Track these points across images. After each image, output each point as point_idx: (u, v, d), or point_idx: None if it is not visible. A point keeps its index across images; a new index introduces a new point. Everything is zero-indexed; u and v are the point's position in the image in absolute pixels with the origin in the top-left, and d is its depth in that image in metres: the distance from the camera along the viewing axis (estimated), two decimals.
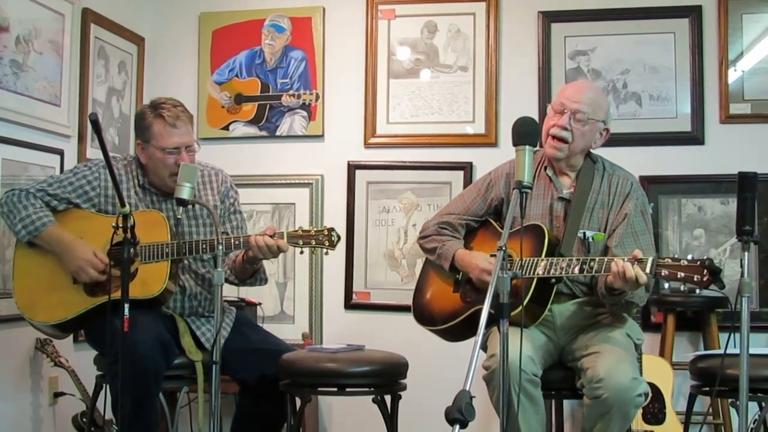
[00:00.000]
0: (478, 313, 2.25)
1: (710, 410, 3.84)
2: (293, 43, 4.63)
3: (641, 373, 2.87)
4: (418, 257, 4.09)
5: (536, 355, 2.83)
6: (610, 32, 4.31)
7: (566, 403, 3.69)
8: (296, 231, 3.04)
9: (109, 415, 3.07)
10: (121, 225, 2.68)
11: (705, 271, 2.54)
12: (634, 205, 3.00)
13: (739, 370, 2.58)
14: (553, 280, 2.87)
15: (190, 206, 3.10)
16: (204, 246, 3.03)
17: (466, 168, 4.39)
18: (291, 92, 4.61)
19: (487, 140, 4.39)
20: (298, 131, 4.60)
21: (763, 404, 3.10)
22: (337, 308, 4.53)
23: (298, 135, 4.60)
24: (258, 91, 4.66)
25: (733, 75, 4.18)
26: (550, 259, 2.83)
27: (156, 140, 3.12)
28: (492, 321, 2.25)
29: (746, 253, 2.60)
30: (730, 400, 3.56)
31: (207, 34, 4.72)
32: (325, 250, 3.05)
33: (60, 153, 3.92)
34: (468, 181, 4.30)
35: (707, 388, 3.13)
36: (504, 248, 2.32)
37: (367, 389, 3.14)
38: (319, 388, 3.19)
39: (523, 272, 2.82)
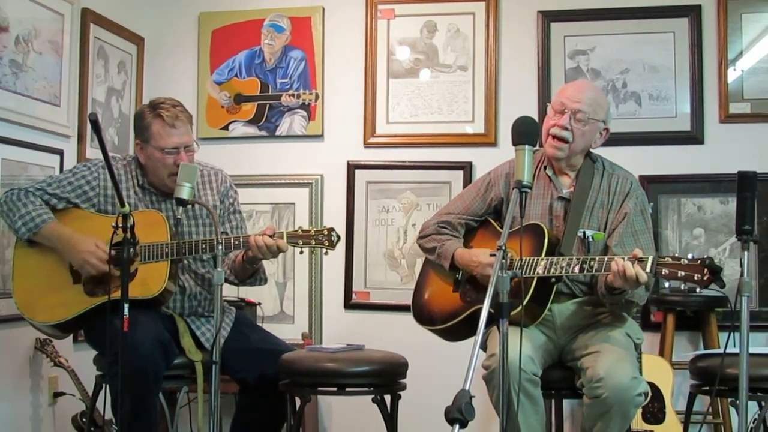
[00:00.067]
0: (478, 312, 2.25)
1: (710, 410, 3.84)
2: (293, 43, 4.63)
3: (641, 373, 2.87)
4: (418, 257, 4.09)
5: (536, 354, 2.83)
6: (609, 32, 4.31)
7: (566, 402, 3.69)
8: (296, 231, 3.04)
9: (108, 415, 3.07)
10: (120, 225, 2.69)
11: (705, 270, 2.54)
12: (633, 205, 3.00)
13: (738, 369, 2.58)
14: (553, 280, 2.87)
15: (189, 206, 3.10)
16: (204, 246, 3.03)
17: (466, 168, 4.39)
18: (290, 92, 4.61)
19: (486, 140, 4.39)
20: (298, 131, 4.60)
21: (763, 403, 3.10)
22: (337, 308, 4.53)
23: (298, 135, 4.60)
24: (257, 91, 4.66)
25: (732, 74, 4.18)
26: (550, 258, 2.83)
27: (155, 140, 3.12)
28: (492, 320, 2.25)
29: (746, 253, 2.60)
30: (729, 400, 3.56)
31: (206, 34, 4.72)
32: (324, 250, 3.05)
33: (60, 153, 3.92)
34: (468, 180, 4.30)
35: (707, 388, 3.13)
36: (504, 248, 2.32)
37: (366, 389, 3.14)
38: (319, 388, 3.19)
39: (523, 272, 2.82)
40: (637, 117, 4.26)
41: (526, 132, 2.53)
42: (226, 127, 4.68)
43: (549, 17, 4.37)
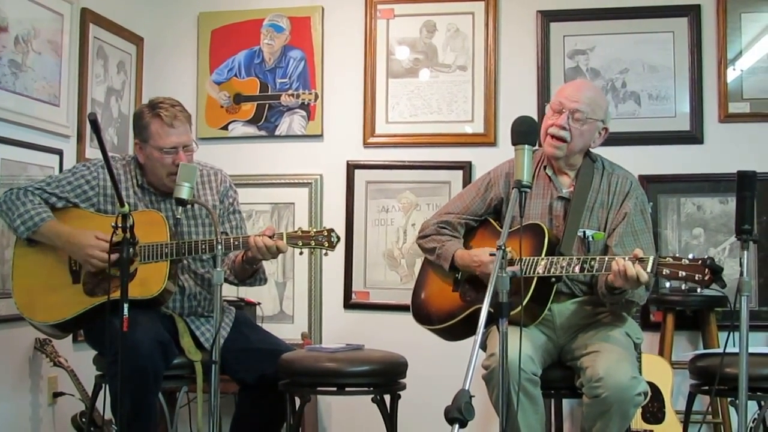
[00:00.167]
0: (478, 312, 2.25)
1: (709, 409, 3.84)
2: (292, 43, 4.63)
3: (640, 372, 2.87)
4: (417, 257, 4.09)
5: (536, 354, 2.83)
6: (608, 31, 4.31)
7: (565, 402, 3.69)
8: (295, 232, 3.04)
9: (108, 415, 3.07)
10: (120, 225, 2.68)
11: (706, 270, 2.54)
12: (633, 204, 3.00)
13: (738, 369, 2.58)
14: (553, 280, 2.87)
15: (189, 206, 3.10)
16: (203, 246, 3.03)
17: (465, 167, 4.39)
18: (290, 92, 4.61)
19: (486, 140, 4.39)
20: (297, 131, 4.60)
21: (763, 403, 3.10)
22: (337, 308, 4.53)
23: (297, 135, 4.60)
24: (257, 90, 4.66)
25: (731, 74, 4.18)
26: (550, 258, 2.83)
27: (153, 140, 3.12)
28: (491, 320, 2.25)
29: (745, 252, 2.60)
30: (729, 399, 3.56)
31: (206, 33, 4.72)
32: (324, 251, 3.05)
33: (59, 153, 3.92)
34: (467, 180, 4.30)
35: (706, 387, 3.13)
36: (503, 248, 2.32)
37: (366, 389, 3.14)
38: (319, 388, 3.19)
39: (523, 271, 2.82)
40: (637, 117, 4.26)
41: (525, 132, 2.53)
42: (225, 127, 4.68)
43: (548, 17, 4.37)
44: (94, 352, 3.21)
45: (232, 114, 4.67)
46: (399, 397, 3.21)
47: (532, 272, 2.83)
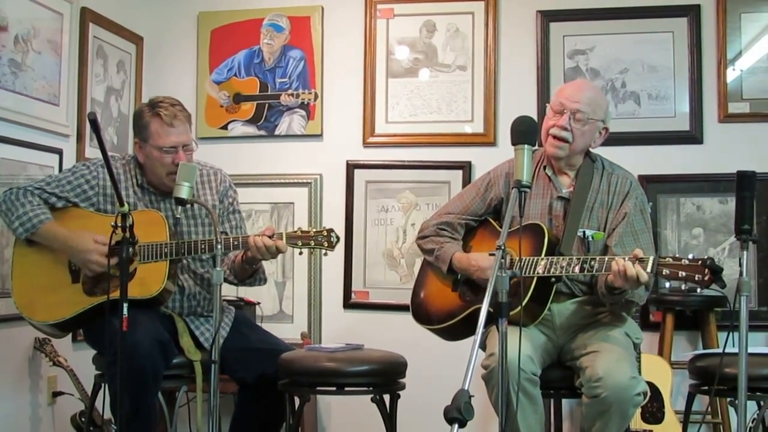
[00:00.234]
0: (477, 312, 2.26)
1: (709, 409, 3.84)
2: (292, 43, 4.63)
3: (640, 372, 2.87)
4: (417, 256, 4.09)
5: (535, 354, 2.83)
6: (608, 31, 4.31)
7: (565, 402, 3.69)
8: (295, 232, 3.04)
9: (107, 414, 3.07)
10: (119, 224, 2.68)
11: (706, 270, 2.54)
12: (633, 204, 3.00)
13: (737, 369, 2.58)
14: (553, 280, 2.87)
15: (188, 206, 3.10)
16: (203, 246, 3.03)
17: (465, 167, 4.39)
18: (290, 92, 4.61)
19: (485, 139, 4.39)
20: (297, 131, 4.60)
21: (762, 403, 3.10)
22: (336, 308, 4.53)
23: (297, 134, 4.60)
24: (257, 90, 4.66)
25: (731, 74, 4.18)
26: (550, 258, 2.83)
27: (153, 139, 3.12)
28: (491, 320, 2.25)
29: (745, 252, 2.60)
30: (728, 399, 3.56)
31: (205, 33, 4.72)
32: (324, 251, 3.05)
33: (59, 152, 3.92)
34: (467, 180, 4.30)
35: (706, 387, 3.13)
36: (503, 247, 2.32)
37: (365, 388, 3.14)
38: (318, 388, 3.19)
39: (523, 271, 2.82)
40: (636, 117, 4.26)
41: (525, 131, 2.54)
42: (225, 127, 4.68)
43: (548, 17, 4.37)
44: (93, 352, 3.21)
45: (232, 113, 4.67)
46: (398, 396, 3.21)
47: (531, 272, 2.83)
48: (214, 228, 2.89)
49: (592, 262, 2.74)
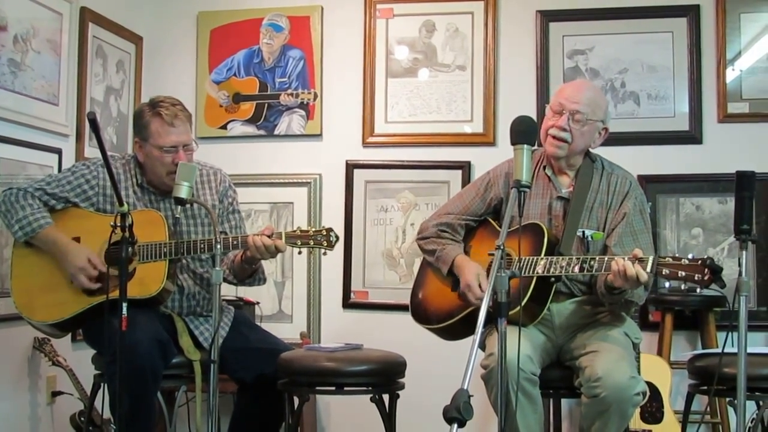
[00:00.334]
0: (476, 311, 2.25)
1: (708, 409, 3.84)
2: (291, 42, 4.63)
3: (639, 372, 2.87)
4: (416, 256, 4.09)
5: (534, 353, 2.83)
6: (608, 31, 4.31)
7: (564, 402, 3.69)
8: (294, 231, 3.04)
9: (107, 414, 3.06)
10: (119, 224, 2.68)
11: (706, 270, 2.54)
12: (632, 204, 3.00)
13: (736, 368, 2.58)
14: (552, 279, 2.87)
15: (188, 205, 3.10)
16: (202, 245, 3.03)
17: (465, 167, 4.39)
18: (289, 91, 4.61)
19: (485, 139, 4.39)
20: (297, 130, 4.60)
21: (761, 403, 3.11)
22: (335, 307, 4.53)
23: (297, 134, 4.60)
24: (256, 90, 4.65)
25: (731, 74, 4.18)
26: (549, 258, 2.83)
27: (154, 138, 3.12)
28: (490, 320, 2.25)
29: (744, 252, 2.61)
30: (727, 399, 3.56)
31: (205, 33, 4.72)
32: (323, 251, 3.05)
33: (58, 152, 3.92)
34: (466, 180, 4.30)
35: (705, 387, 3.13)
36: (502, 247, 2.32)
37: (365, 388, 3.14)
38: (317, 387, 3.19)
39: (523, 271, 2.82)
40: (636, 117, 4.27)
41: (524, 131, 2.53)
42: (224, 127, 4.67)
43: (548, 17, 4.37)
44: (92, 352, 3.20)
45: (231, 113, 4.67)
46: (398, 396, 3.21)
47: (531, 272, 2.83)
48: (214, 228, 2.89)
49: (592, 262, 2.74)
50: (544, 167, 3.10)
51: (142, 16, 4.65)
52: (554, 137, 2.99)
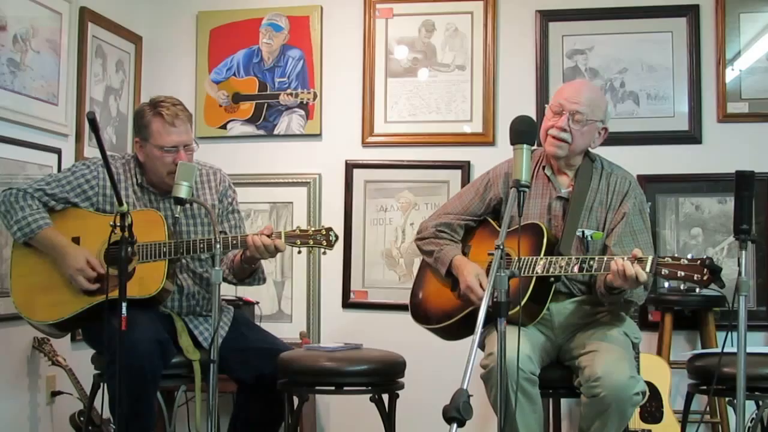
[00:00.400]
0: (476, 311, 2.26)
1: (707, 409, 3.84)
2: (291, 42, 4.63)
3: (639, 372, 2.87)
4: (416, 256, 4.09)
5: (534, 353, 2.84)
6: (607, 31, 4.31)
7: (564, 401, 3.70)
8: (294, 231, 3.04)
9: (106, 414, 3.06)
10: (118, 224, 2.68)
11: (705, 270, 2.54)
12: (632, 204, 3.00)
13: (736, 368, 2.59)
14: (552, 279, 2.87)
15: (188, 205, 3.10)
16: (202, 245, 3.03)
17: (464, 167, 4.39)
18: (289, 91, 4.61)
19: (484, 139, 4.39)
20: (296, 130, 4.60)
21: (761, 403, 3.11)
22: (335, 307, 4.53)
23: (296, 134, 4.60)
24: (256, 90, 4.65)
25: (730, 74, 4.18)
26: (549, 257, 2.83)
27: (154, 138, 3.12)
28: (490, 319, 2.25)
29: (743, 252, 2.61)
30: (727, 399, 3.57)
31: (204, 33, 4.72)
32: (323, 250, 3.05)
33: (57, 152, 3.91)
34: (466, 180, 4.30)
35: (704, 387, 3.14)
36: (502, 247, 2.32)
37: (364, 388, 3.14)
38: (317, 387, 3.19)
39: (522, 271, 2.82)
40: (636, 116, 4.27)
41: (524, 131, 2.54)
42: (224, 126, 4.67)
43: (547, 17, 4.37)
44: (92, 351, 3.21)
45: (231, 113, 4.67)
46: (397, 396, 3.21)
47: (530, 272, 2.83)
48: (213, 227, 2.89)
49: (591, 262, 2.74)
50: (544, 167, 3.10)
51: (142, 16, 4.65)
52: (554, 137, 2.99)
